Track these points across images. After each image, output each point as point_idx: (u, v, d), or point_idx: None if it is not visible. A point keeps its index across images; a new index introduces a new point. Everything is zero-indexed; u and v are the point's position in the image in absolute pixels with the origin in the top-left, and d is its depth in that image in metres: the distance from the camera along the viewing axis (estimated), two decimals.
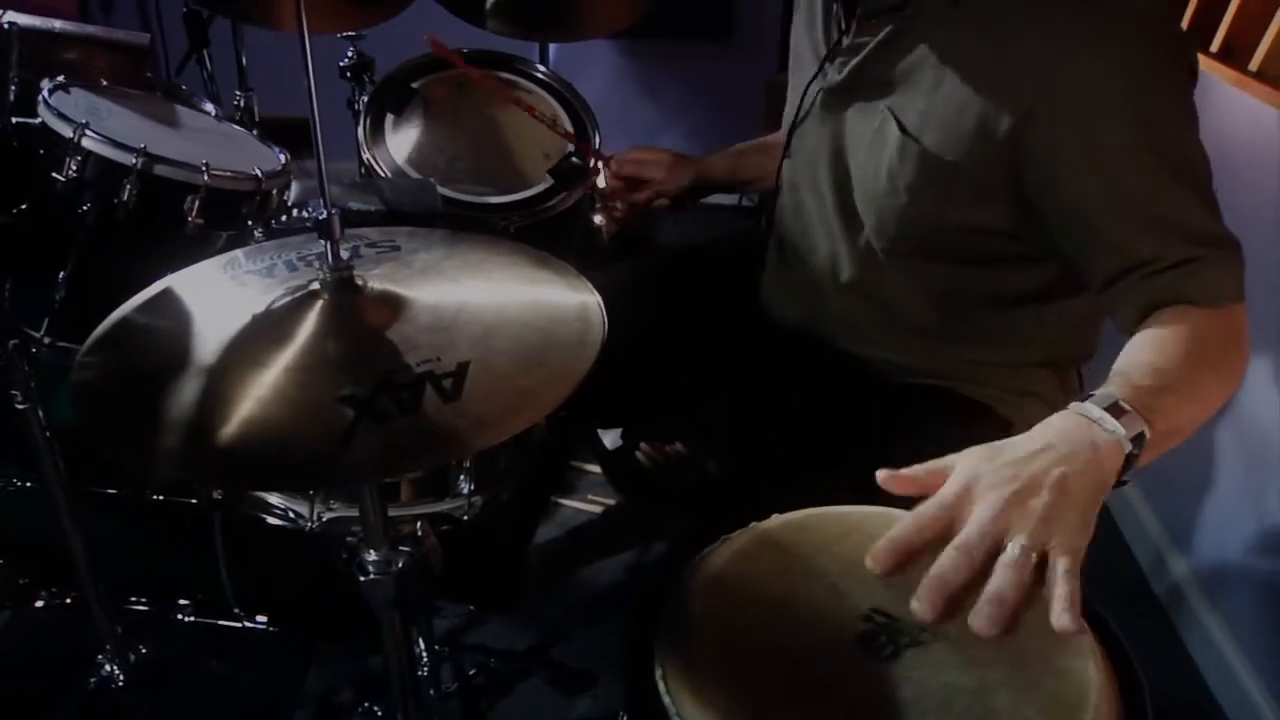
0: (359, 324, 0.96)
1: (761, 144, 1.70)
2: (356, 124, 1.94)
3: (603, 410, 1.68)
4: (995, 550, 0.78)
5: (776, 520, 0.94)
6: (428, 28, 2.09)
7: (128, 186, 1.25)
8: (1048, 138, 1.06)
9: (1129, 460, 0.87)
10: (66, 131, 1.25)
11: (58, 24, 1.34)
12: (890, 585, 0.81)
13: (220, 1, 1.65)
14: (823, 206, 1.33)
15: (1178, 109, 1.07)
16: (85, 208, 1.23)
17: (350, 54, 2.10)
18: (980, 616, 0.74)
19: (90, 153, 1.27)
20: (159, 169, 1.30)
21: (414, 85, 1.99)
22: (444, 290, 1.02)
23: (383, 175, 1.86)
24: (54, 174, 1.22)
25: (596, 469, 2.31)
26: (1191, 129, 1.07)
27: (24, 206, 1.02)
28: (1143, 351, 1.00)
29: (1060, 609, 0.74)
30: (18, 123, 1.04)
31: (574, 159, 1.97)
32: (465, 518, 1.33)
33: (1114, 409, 0.88)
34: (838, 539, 0.91)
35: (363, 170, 1.91)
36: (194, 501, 1.50)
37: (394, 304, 0.98)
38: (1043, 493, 0.80)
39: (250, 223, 1.28)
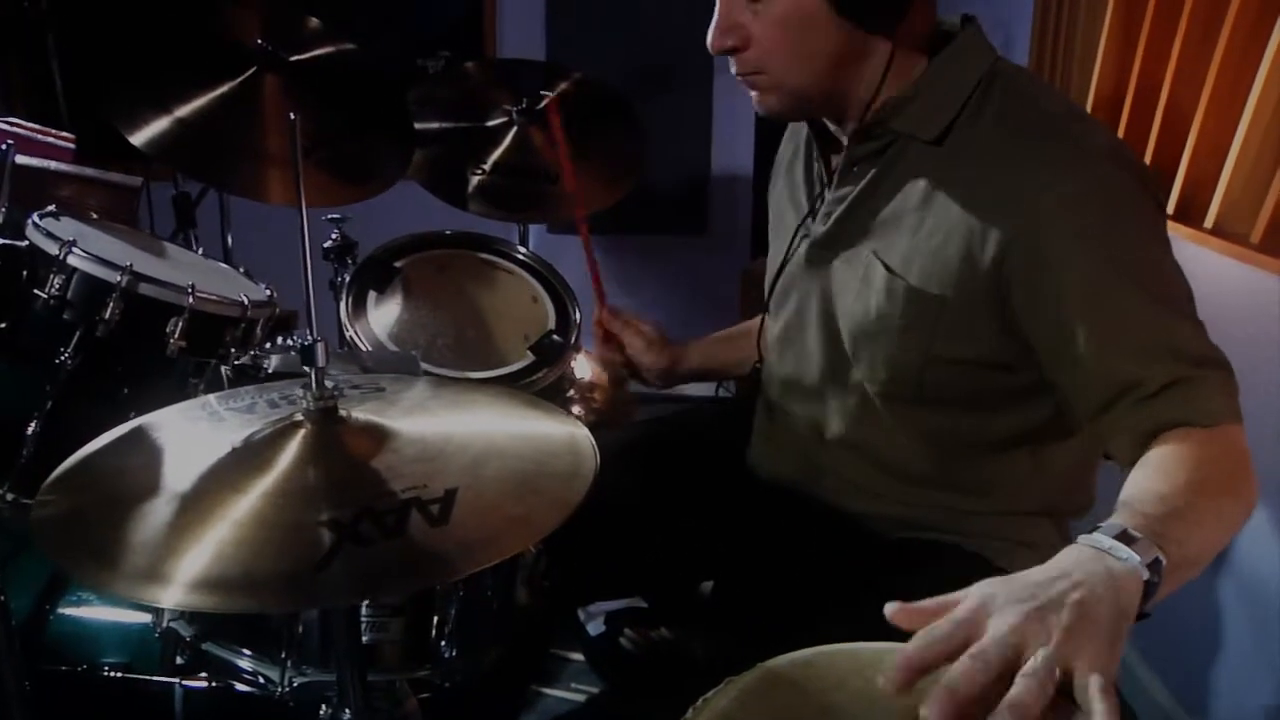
0: (341, 453, 0.93)
1: (729, 334, 1.71)
2: (338, 301, 1.96)
3: (588, 582, 1.62)
4: (1013, 663, 0.73)
5: (783, 659, 0.89)
6: (411, 209, 2.16)
7: (110, 305, 1.23)
8: (1028, 266, 1.07)
9: (1148, 589, 0.82)
10: (53, 249, 1.24)
11: (53, 164, 1.36)
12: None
13: (210, 173, 1.69)
14: (811, 362, 1.33)
15: (1152, 236, 1.09)
16: (63, 355, 1.20)
17: (334, 236, 2.14)
18: (999, 717, 0.69)
19: (75, 270, 1.26)
20: (144, 288, 1.29)
21: (397, 265, 2.02)
22: (430, 423, 1.00)
23: (365, 350, 1.85)
24: (36, 290, 1.20)
25: (580, 656, 2.21)
26: (1167, 255, 1.10)
27: (2, 325, 1.00)
28: (1145, 480, 0.97)
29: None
30: (3, 245, 1.04)
31: (555, 336, 1.98)
32: (446, 685, 1.24)
33: (1123, 537, 0.84)
34: (851, 675, 0.86)
35: (344, 347, 1.91)
36: (153, 678, 1.40)
37: (378, 435, 0.95)
38: (1063, 612, 0.75)
39: (234, 350, 1.25)
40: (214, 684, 1.37)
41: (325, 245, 2.13)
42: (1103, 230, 1.06)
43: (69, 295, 1.24)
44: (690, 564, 1.62)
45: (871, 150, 1.20)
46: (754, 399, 1.52)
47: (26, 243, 1.22)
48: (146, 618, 1.44)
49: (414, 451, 0.93)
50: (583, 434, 1.00)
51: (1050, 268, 1.06)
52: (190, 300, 1.29)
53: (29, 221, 1.28)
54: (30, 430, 1.31)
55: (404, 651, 1.24)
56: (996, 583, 0.80)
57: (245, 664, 1.19)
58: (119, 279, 1.26)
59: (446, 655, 1.26)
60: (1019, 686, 0.70)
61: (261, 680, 1.18)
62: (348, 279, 1.96)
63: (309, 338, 0.93)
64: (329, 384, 0.96)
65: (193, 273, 1.33)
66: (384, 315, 1.94)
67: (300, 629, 1.21)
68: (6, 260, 1.02)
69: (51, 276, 1.22)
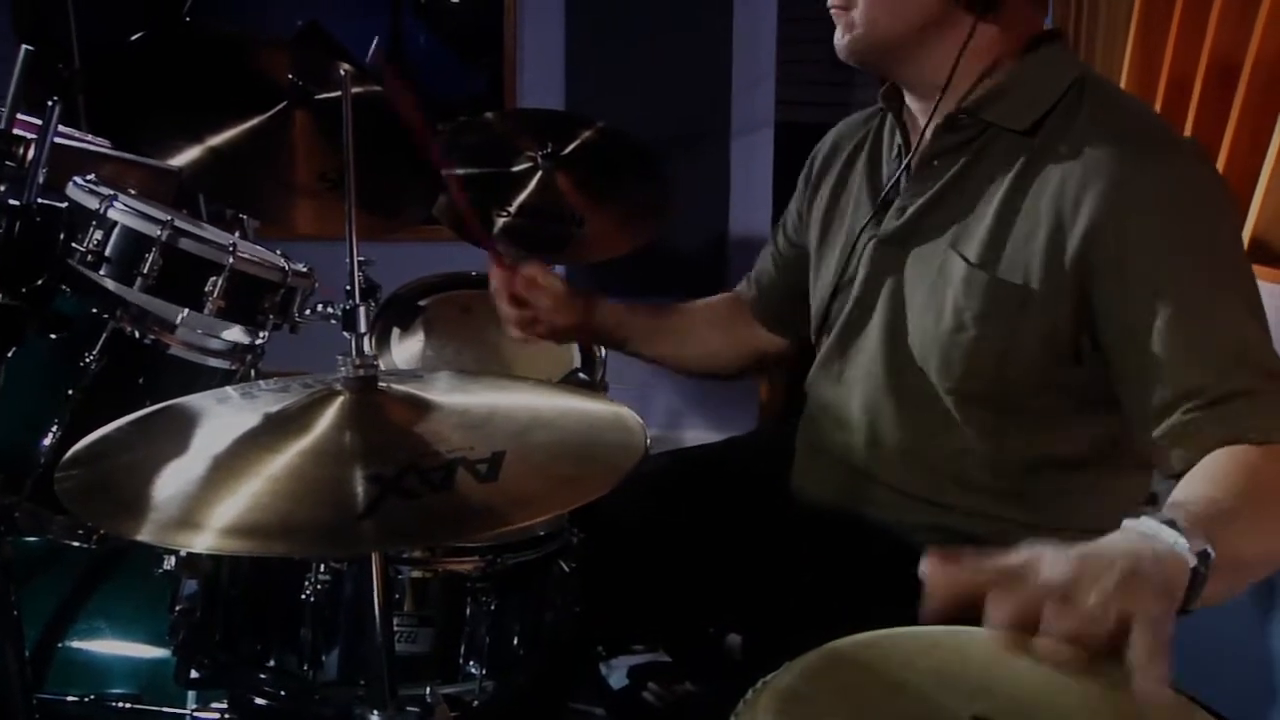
0: (382, 420, 0.89)
1: (662, 309, 1.69)
2: None
3: (616, 615, 1.55)
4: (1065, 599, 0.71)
5: (847, 640, 0.84)
6: (434, 250, 2.14)
7: (150, 258, 1.20)
8: (1112, 255, 1.06)
9: (1195, 579, 0.79)
10: (94, 204, 1.22)
11: (92, 146, 1.35)
12: (991, 693, 0.74)
13: (239, 200, 1.69)
14: (870, 364, 1.28)
15: (1234, 238, 1.10)
16: (89, 357, 1.17)
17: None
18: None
19: (116, 224, 1.24)
20: (184, 243, 1.26)
21: (421, 303, 2.01)
22: (472, 398, 0.97)
23: None
24: (74, 245, 1.18)
25: (601, 711, 2.11)
26: (1247, 259, 1.10)
27: (39, 283, 0.97)
28: (1196, 485, 0.95)
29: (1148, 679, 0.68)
30: (42, 203, 1.01)
31: (580, 375, 1.95)
32: (475, 703, 1.18)
33: (1172, 525, 0.81)
34: (920, 654, 0.82)
35: None
36: (163, 709, 1.33)
37: (419, 405, 0.92)
38: (1114, 571, 0.73)
39: (272, 317, 1.22)
40: (227, 716, 1.30)
41: (347, 287, 2.11)
42: (1190, 225, 1.06)
43: (107, 251, 1.21)
44: (721, 607, 1.56)
45: (958, 142, 1.19)
46: (794, 428, 1.47)
47: (67, 203, 1.20)
48: (158, 651, 1.39)
49: (457, 420, 0.90)
50: (629, 412, 0.96)
51: (1134, 257, 1.05)
52: (231, 259, 1.27)
53: (70, 182, 1.26)
54: (48, 441, 1.28)
55: (433, 664, 1.19)
56: (1042, 546, 0.77)
57: (265, 676, 1.13)
58: (159, 233, 1.24)
59: (475, 672, 1.21)
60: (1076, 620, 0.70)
61: (283, 694, 1.12)
62: (372, 315, 1.95)
63: (350, 303, 0.90)
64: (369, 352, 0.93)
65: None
66: (406, 352, 1.92)
67: (323, 640, 1.16)
68: (45, 219, 0.99)
69: (91, 230, 1.20)
